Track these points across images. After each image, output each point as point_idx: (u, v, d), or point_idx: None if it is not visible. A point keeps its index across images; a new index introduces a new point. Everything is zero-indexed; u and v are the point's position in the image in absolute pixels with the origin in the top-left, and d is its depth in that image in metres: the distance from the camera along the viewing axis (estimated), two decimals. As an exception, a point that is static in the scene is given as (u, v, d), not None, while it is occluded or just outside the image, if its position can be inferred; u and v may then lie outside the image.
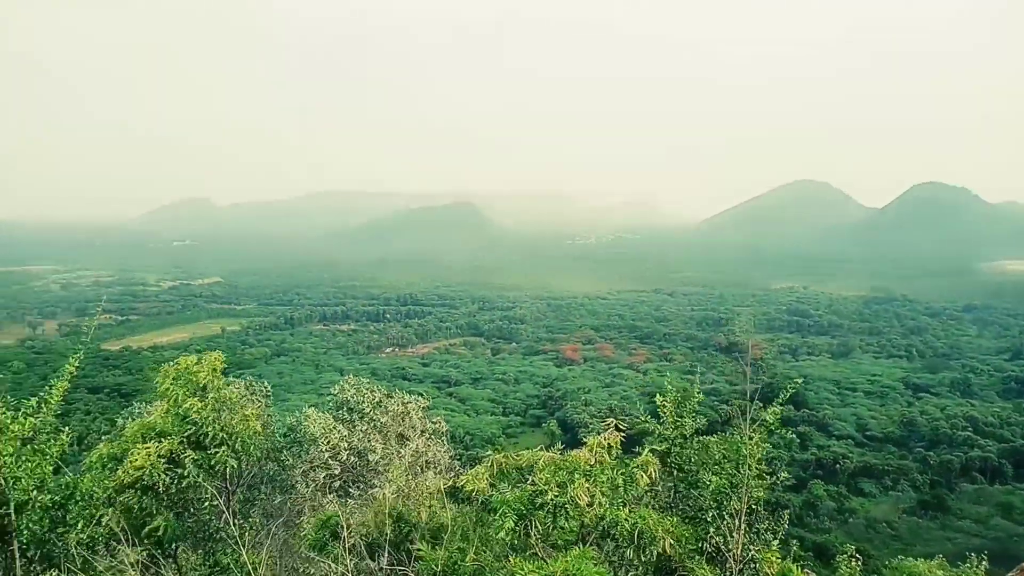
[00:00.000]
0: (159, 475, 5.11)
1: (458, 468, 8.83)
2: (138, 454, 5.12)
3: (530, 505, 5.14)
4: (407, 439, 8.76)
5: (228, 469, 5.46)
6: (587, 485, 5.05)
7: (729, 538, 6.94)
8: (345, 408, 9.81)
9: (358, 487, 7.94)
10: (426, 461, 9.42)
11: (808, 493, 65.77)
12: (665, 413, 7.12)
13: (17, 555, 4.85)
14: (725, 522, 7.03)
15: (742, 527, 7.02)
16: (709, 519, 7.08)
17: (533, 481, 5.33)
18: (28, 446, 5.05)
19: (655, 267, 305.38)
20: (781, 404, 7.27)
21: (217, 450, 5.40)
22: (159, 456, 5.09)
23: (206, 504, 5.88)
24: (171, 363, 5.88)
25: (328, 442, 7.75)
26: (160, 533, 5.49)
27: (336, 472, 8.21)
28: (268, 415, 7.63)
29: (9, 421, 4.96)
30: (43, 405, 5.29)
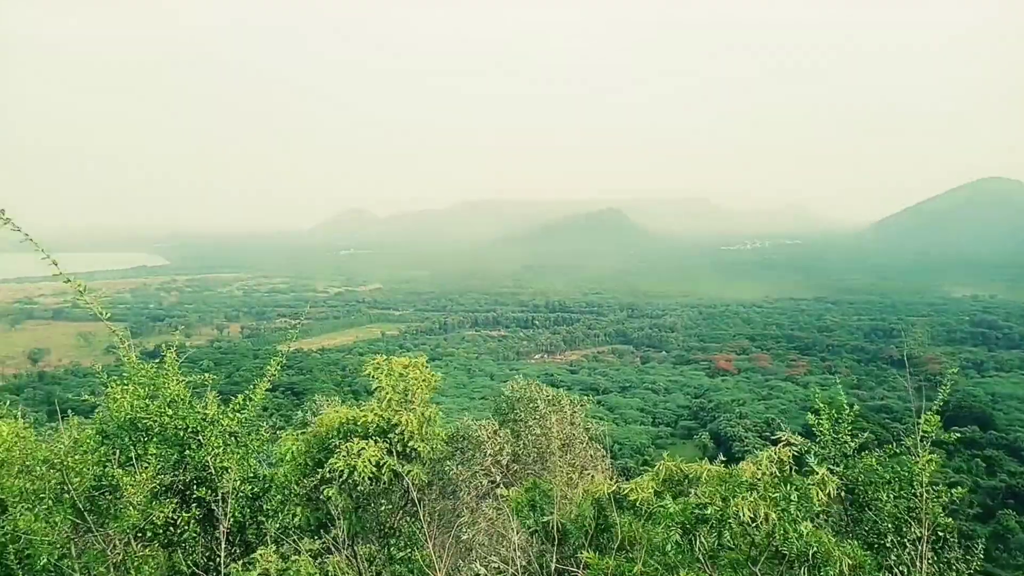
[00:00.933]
0: (364, 480, 5.47)
1: (616, 475, 8.72)
2: (344, 458, 5.51)
3: (693, 518, 5.00)
4: (570, 444, 8.83)
5: (414, 479, 5.76)
6: (753, 500, 4.83)
7: (912, 568, 6.41)
8: (515, 406, 9.99)
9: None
10: (583, 466, 9.45)
11: (997, 524, 59.04)
12: (823, 429, 6.69)
13: (223, 539, 5.33)
14: (907, 550, 6.50)
15: (927, 556, 6.46)
16: (888, 545, 6.57)
17: (697, 493, 5.17)
18: (234, 439, 5.59)
19: (815, 274, 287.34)
20: (939, 410, 6.56)
21: (411, 466, 5.70)
22: (367, 462, 5.45)
23: (385, 506, 6.20)
24: (382, 360, 6.25)
25: (494, 446, 7.93)
26: (343, 528, 5.84)
27: (497, 479, 8.41)
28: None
29: (220, 416, 5.54)
30: (247, 402, 5.84)
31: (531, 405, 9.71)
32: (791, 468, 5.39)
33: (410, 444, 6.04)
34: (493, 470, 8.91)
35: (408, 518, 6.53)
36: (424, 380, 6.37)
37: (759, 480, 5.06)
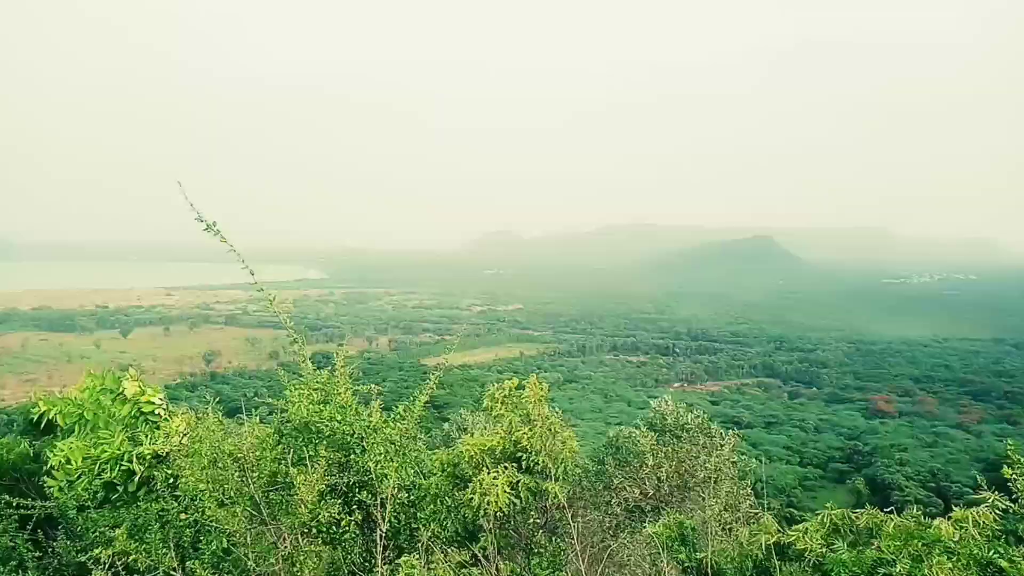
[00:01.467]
0: (502, 505, 5.56)
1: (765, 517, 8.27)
2: (478, 494, 5.64)
3: (871, 573, 4.60)
4: (719, 477, 8.48)
5: (552, 496, 5.76)
6: (952, 567, 4.30)
7: None
8: (664, 427, 9.79)
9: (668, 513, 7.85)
10: (731, 504, 9.05)
11: None
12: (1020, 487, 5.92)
13: (380, 542, 5.55)
14: None
15: None
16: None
17: (879, 547, 4.74)
18: (393, 447, 5.86)
19: (996, 313, 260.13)
20: None
21: (545, 484, 5.72)
22: (505, 486, 5.55)
23: (528, 521, 6.23)
24: (498, 385, 6.36)
25: (654, 458, 7.79)
26: (489, 542, 5.91)
27: (649, 493, 8.24)
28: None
29: (382, 425, 5.82)
30: (407, 413, 6.10)
31: (682, 425, 9.44)
32: (992, 534, 4.74)
33: (538, 460, 6.04)
34: (647, 484, 8.73)
35: (551, 535, 6.51)
36: (537, 395, 6.36)
37: (958, 543, 4.48)
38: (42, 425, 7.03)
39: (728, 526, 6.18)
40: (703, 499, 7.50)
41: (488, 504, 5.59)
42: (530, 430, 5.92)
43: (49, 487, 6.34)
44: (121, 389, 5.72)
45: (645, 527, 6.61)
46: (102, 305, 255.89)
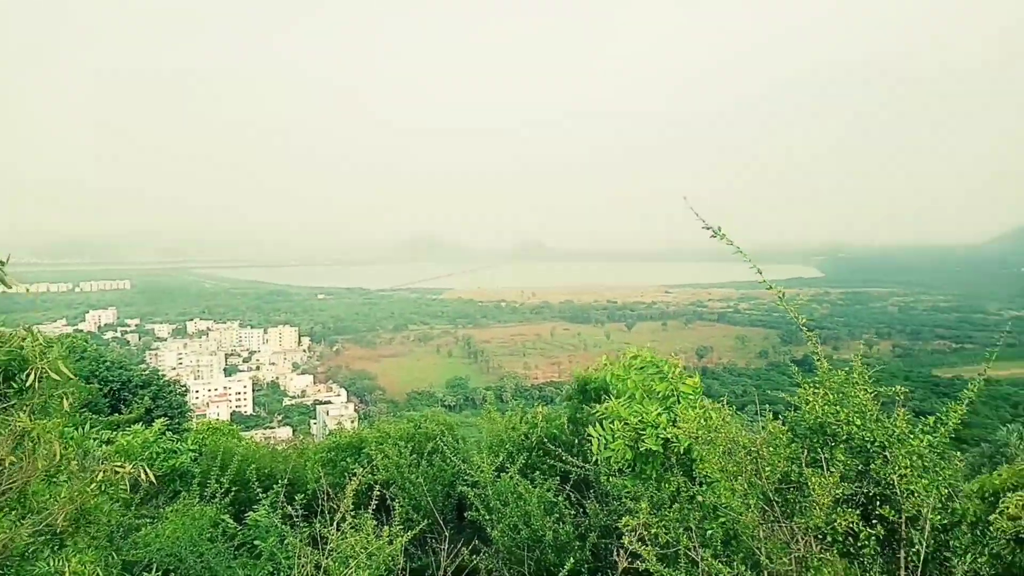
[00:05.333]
0: None
1: None
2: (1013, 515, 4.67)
3: None
4: None
5: None
6: None
7: None
8: None
9: None
10: None
11: None
12: None
13: (904, 565, 5.03)
14: None
15: None
16: None
17: None
18: (920, 461, 5.22)
19: None
20: None
21: None
22: None
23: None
24: None
25: None
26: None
27: None
28: None
29: (908, 435, 5.25)
30: (939, 425, 5.40)
31: None
32: None
33: None
34: None
35: None
36: None
37: None
38: (585, 395, 8.25)
39: None
40: None
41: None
42: None
43: (587, 452, 7.38)
44: (662, 368, 6.32)
45: None
46: (612, 301, 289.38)
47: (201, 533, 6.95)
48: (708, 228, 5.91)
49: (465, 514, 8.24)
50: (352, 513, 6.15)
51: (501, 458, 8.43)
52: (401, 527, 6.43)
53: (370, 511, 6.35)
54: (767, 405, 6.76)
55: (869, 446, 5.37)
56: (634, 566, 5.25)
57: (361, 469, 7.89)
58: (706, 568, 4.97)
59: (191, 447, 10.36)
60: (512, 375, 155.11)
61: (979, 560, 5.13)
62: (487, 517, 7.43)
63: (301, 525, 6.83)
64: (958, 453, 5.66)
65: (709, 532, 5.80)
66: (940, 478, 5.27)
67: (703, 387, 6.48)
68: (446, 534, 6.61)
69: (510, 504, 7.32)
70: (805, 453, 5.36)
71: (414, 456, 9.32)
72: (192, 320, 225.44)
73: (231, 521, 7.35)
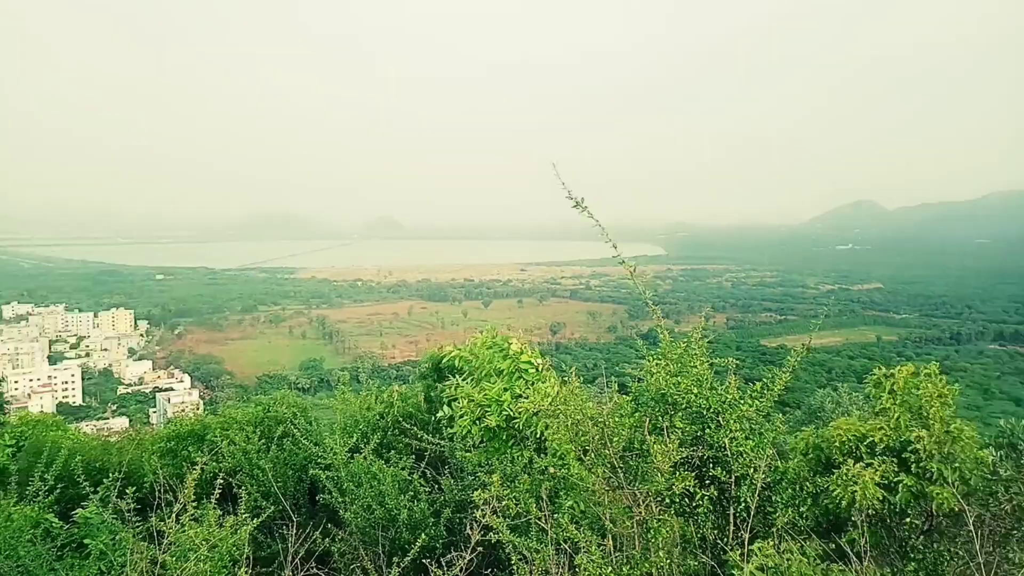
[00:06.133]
0: (871, 500, 5.05)
1: None
2: (841, 484, 5.18)
3: None
4: None
5: (941, 502, 5.04)
6: None
7: None
8: None
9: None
10: None
11: None
12: None
13: (732, 521, 5.41)
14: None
15: None
16: None
17: None
18: (748, 424, 5.66)
19: None
20: None
21: (932, 487, 5.02)
22: (875, 483, 5.02)
23: (904, 522, 5.58)
24: (885, 370, 5.70)
25: None
26: (850, 537, 5.43)
27: None
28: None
29: (738, 401, 5.67)
30: (765, 391, 5.85)
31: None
32: None
33: (927, 465, 5.26)
34: None
35: (934, 544, 5.73)
36: (939, 394, 5.46)
37: None
38: (439, 373, 8.23)
39: None
40: None
41: (854, 495, 5.10)
42: (926, 432, 5.23)
43: (442, 429, 7.40)
44: (506, 346, 6.42)
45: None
46: (469, 279, 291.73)
47: (18, 535, 6.32)
48: (572, 199, 6.00)
49: (317, 497, 8.04)
50: (193, 504, 5.84)
51: (355, 439, 8.27)
52: (248, 515, 6.18)
53: (213, 501, 6.05)
54: (616, 378, 7.08)
55: (705, 412, 5.76)
56: (487, 538, 5.32)
57: (204, 458, 7.48)
58: (554, 535, 5.14)
59: (7, 443, 9.48)
60: (369, 355, 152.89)
61: (799, 512, 5.68)
62: (340, 499, 7.29)
63: (135, 521, 6.38)
64: (781, 416, 6.20)
65: (558, 502, 5.98)
66: (766, 440, 5.75)
67: (549, 362, 6.67)
68: (295, 519, 6.39)
69: (363, 485, 7.21)
70: (648, 421, 5.67)
71: (263, 441, 8.95)
72: (9, 304, 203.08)
73: (55, 520, 6.74)
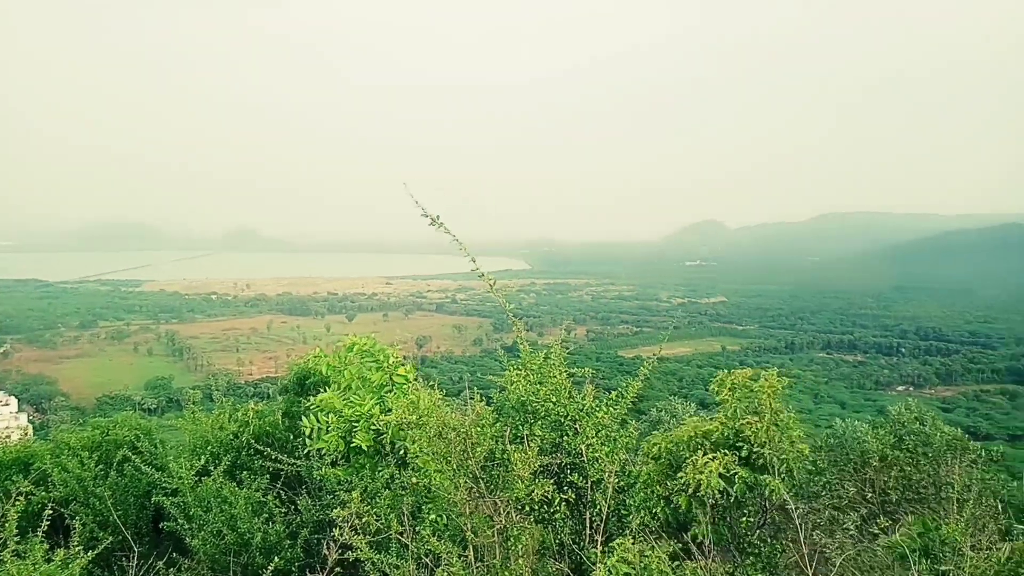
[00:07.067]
0: (714, 489, 5.38)
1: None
2: (691, 472, 5.49)
3: None
4: (966, 497, 7.55)
5: (773, 492, 5.46)
6: None
7: None
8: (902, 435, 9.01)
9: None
10: (977, 523, 8.02)
11: None
12: None
13: (588, 525, 5.58)
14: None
15: None
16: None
17: None
18: (605, 431, 5.89)
19: None
20: None
21: (767, 477, 5.44)
22: (719, 474, 5.36)
23: (742, 519, 5.99)
24: (728, 372, 6.12)
25: (883, 460, 7.19)
26: (695, 534, 5.76)
27: (867, 496, 7.59)
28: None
29: (595, 408, 5.89)
30: (620, 399, 6.11)
31: (921, 438, 8.61)
32: None
33: (759, 452, 5.71)
34: (872, 486, 8.03)
35: (768, 537, 6.19)
36: (772, 387, 5.96)
37: None
38: (303, 388, 7.95)
39: (973, 545, 5.48)
40: (939, 511, 6.75)
41: (700, 485, 5.44)
42: (758, 421, 5.66)
43: (303, 446, 7.15)
44: (381, 357, 6.30)
45: (880, 529, 6.09)
46: (332, 293, 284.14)
47: None
48: (427, 216, 6.01)
49: (162, 525, 7.51)
50: (16, 539, 5.29)
51: (203, 461, 7.80)
52: (82, 547, 5.68)
53: (40, 534, 5.51)
54: (481, 389, 7.15)
55: (563, 420, 5.95)
56: (345, 557, 5.20)
57: (28, 487, 6.81)
58: (415, 549, 5.10)
59: None
60: (224, 372, 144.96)
61: (652, 513, 5.97)
62: (186, 526, 6.85)
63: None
64: (634, 422, 6.51)
65: (421, 515, 5.94)
66: (619, 445, 6.02)
67: (417, 375, 6.64)
68: (136, 550, 5.94)
69: (213, 509, 6.82)
70: (509, 430, 5.77)
71: (101, 467, 8.25)
72: None
73: None
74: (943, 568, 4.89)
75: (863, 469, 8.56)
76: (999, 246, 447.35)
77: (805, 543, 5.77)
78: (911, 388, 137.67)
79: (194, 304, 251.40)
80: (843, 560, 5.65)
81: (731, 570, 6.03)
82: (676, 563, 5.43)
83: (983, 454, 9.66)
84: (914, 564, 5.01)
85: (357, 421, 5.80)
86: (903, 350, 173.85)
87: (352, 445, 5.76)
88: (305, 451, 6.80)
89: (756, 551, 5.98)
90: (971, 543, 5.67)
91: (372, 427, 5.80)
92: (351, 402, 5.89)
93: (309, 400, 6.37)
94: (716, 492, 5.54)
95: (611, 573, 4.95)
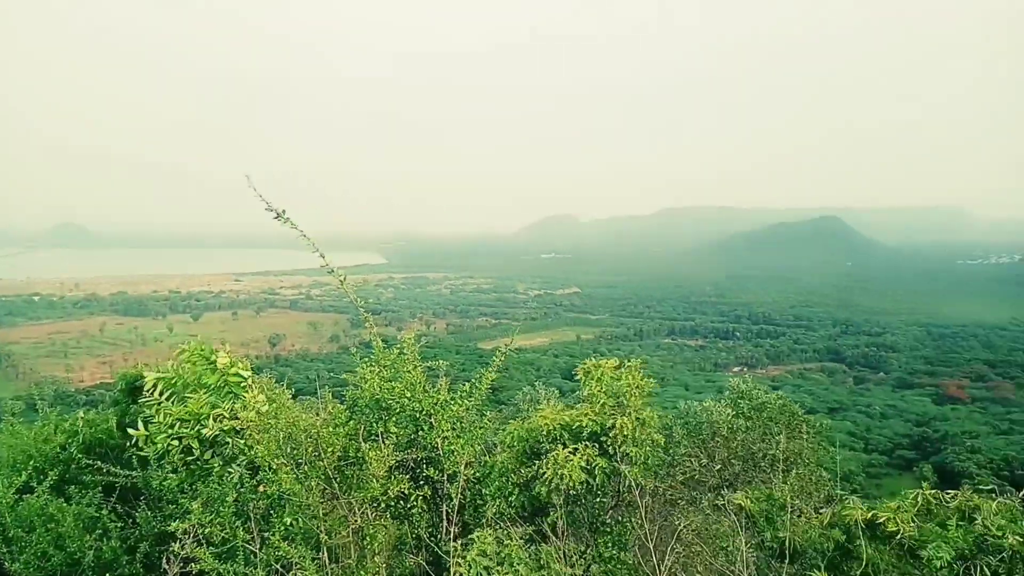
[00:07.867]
0: (575, 483, 5.58)
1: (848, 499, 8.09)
2: (552, 467, 5.67)
3: (973, 547, 4.40)
4: (795, 461, 8.32)
5: (633, 479, 5.75)
6: None
7: None
8: (743, 401, 9.72)
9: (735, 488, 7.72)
10: (805, 488, 8.87)
11: None
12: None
13: (445, 518, 5.63)
14: None
15: None
16: None
17: (983, 523, 4.53)
18: (460, 424, 5.94)
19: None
20: None
21: (623, 468, 5.71)
22: (580, 467, 5.56)
23: (596, 502, 6.24)
24: (594, 360, 6.36)
25: (728, 431, 7.74)
26: (557, 518, 5.94)
27: (716, 467, 8.16)
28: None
29: (450, 401, 5.92)
30: (474, 391, 6.18)
31: (757, 406, 9.32)
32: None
33: (623, 448, 6.00)
34: (716, 457, 8.63)
35: (620, 517, 6.50)
36: (638, 386, 6.29)
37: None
38: (135, 396, 7.37)
39: (802, 510, 6.06)
40: (773, 479, 7.39)
41: (561, 479, 5.62)
42: (625, 418, 5.90)
43: (135, 456, 6.66)
44: (213, 359, 5.97)
45: (724, 500, 6.55)
46: (175, 291, 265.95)
47: None
48: (272, 211, 5.77)
49: (-27, 552, 6.76)
50: None
51: (24, 477, 7.09)
52: None
53: None
54: (337, 387, 6.97)
55: (418, 415, 5.94)
56: (188, 570, 4.92)
57: None
58: (264, 556, 4.92)
59: None
60: (51, 379, 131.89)
61: (508, 500, 6.09)
62: (4, 550, 6.21)
63: None
64: (493, 413, 6.61)
65: (273, 520, 5.74)
66: (475, 436, 6.10)
67: (272, 376, 6.38)
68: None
69: (37, 529, 6.23)
70: (363, 428, 5.69)
71: None
72: None
73: None
74: (780, 534, 5.37)
75: (710, 442, 9.21)
76: (818, 236, 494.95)
77: (656, 519, 6.11)
78: (745, 369, 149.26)
79: (13, 306, 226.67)
80: (689, 530, 6.06)
81: (583, 549, 6.28)
82: (532, 547, 5.58)
83: (813, 425, 10.63)
84: (754, 529, 5.47)
85: (188, 421, 5.50)
86: (738, 334, 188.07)
87: (190, 448, 5.46)
88: (141, 459, 6.37)
89: (609, 530, 6.27)
90: (800, 507, 6.25)
91: (200, 429, 5.53)
92: (189, 405, 5.58)
93: (140, 404, 5.97)
94: (577, 484, 5.74)
95: (471, 567, 5.00)
